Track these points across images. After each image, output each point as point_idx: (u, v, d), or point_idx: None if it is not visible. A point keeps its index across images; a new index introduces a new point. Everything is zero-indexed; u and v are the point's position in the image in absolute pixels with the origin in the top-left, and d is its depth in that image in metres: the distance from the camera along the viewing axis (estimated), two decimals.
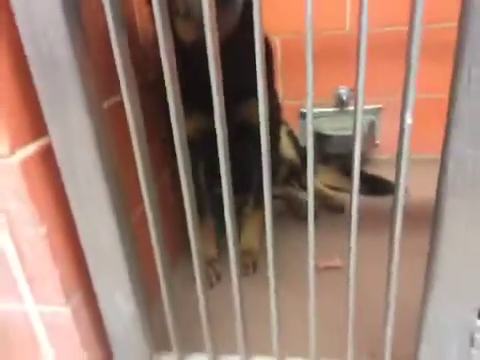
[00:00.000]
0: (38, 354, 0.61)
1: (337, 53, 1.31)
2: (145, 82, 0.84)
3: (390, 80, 1.34)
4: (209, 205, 1.00)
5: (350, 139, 1.69)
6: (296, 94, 1.41)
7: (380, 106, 1.44)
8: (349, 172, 1.44)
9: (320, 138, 1.43)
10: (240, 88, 0.71)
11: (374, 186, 1.24)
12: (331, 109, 1.49)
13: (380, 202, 1.11)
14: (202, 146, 0.76)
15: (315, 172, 1.33)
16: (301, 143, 1.31)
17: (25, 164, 0.49)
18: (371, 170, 1.34)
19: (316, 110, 1.50)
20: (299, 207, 1.21)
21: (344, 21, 1.34)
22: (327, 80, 1.30)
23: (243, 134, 0.79)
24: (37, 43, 0.45)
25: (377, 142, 1.52)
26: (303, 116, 1.49)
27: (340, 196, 1.26)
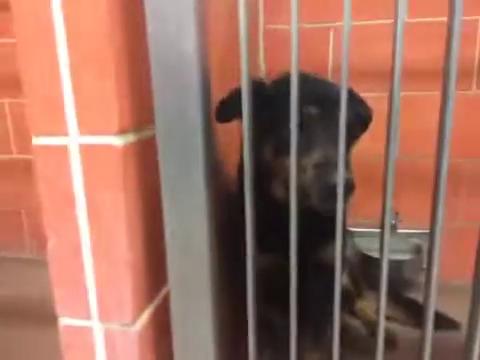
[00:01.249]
0: None
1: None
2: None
3: None
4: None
5: (398, 263, 1.64)
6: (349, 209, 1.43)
7: (427, 231, 1.42)
8: (399, 299, 1.37)
9: (367, 261, 1.40)
10: (321, 233, 0.74)
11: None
12: (376, 230, 1.48)
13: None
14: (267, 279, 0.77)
15: (364, 298, 1.29)
16: (348, 257, 1.29)
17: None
18: (419, 296, 1.27)
19: (362, 230, 1.50)
20: (355, 338, 1.13)
21: None
22: (372, 201, 1.33)
23: (313, 272, 0.80)
24: None
25: (424, 266, 1.47)
26: (349, 234, 1.49)
27: (391, 327, 1.18)
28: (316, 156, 0.67)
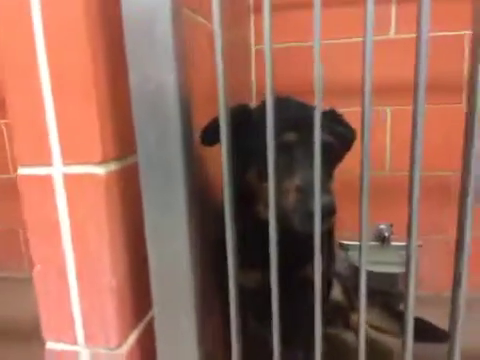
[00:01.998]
0: None
1: (377, 192, 1.37)
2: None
3: (429, 220, 1.39)
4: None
5: (392, 276, 1.64)
6: (336, 225, 1.45)
7: (420, 243, 1.44)
8: (392, 310, 1.37)
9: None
10: (308, 249, 0.76)
11: (421, 332, 1.16)
12: (371, 242, 1.50)
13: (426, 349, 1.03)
14: (257, 296, 0.77)
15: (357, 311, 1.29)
16: (340, 271, 1.30)
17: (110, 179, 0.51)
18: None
19: (355, 243, 1.51)
20: (348, 351, 1.14)
21: (384, 163, 1.43)
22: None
23: (300, 289, 0.81)
24: None
25: (419, 278, 1.48)
26: (343, 247, 1.50)
27: (388, 340, 1.18)
28: (297, 181, 0.69)
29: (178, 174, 0.49)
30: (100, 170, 0.50)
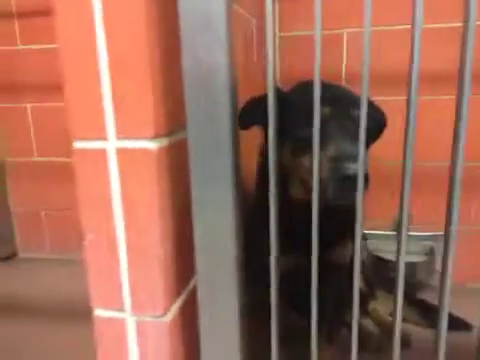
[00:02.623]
0: None
1: (396, 181, 1.37)
2: None
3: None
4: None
5: (411, 265, 1.65)
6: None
7: (440, 233, 1.45)
8: (412, 300, 1.38)
9: (379, 262, 1.42)
10: (337, 233, 0.77)
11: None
12: (389, 232, 1.52)
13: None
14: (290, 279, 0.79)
15: (376, 298, 1.31)
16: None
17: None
18: (432, 297, 1.30)
19: (374, 232, 1.53)
20: (367, 338, 1.15)
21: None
22: (383, 204, 1.38)
23: (325, 273, 0.84)
24: None
25: (437, 268, 1.49)
26: (363, 236, 1.51)
27: (405, 328, 1.20)
28: (331, 150, 0.70)
29: (226, 150, 0.51)
30: (152, 145, 0.52)
